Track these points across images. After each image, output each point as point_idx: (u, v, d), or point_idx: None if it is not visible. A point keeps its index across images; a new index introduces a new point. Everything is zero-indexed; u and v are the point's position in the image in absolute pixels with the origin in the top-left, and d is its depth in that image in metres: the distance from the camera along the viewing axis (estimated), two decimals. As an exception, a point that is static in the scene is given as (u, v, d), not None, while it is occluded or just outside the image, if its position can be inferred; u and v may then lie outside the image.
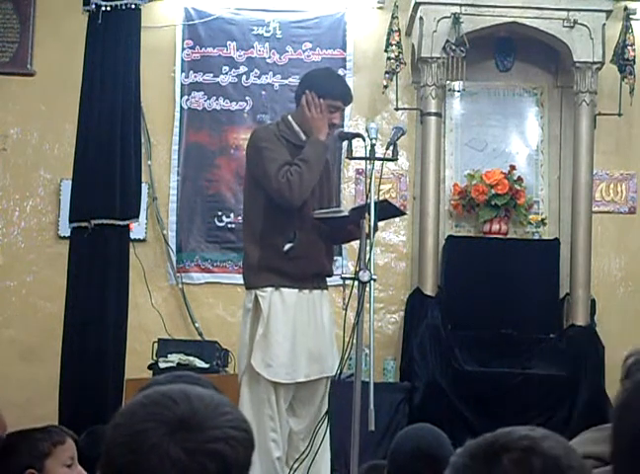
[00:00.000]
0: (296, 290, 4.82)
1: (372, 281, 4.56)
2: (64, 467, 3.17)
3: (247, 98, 7.71)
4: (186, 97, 7.70)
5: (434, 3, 7.18)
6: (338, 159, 7.51)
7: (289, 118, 5.01)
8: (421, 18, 7.19)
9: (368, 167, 4.68)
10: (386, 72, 7.40)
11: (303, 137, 4.91)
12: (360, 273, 4.56)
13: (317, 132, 4.88)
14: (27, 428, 3.26)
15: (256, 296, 4.80)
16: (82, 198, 5.77)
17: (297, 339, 4.79)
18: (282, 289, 4.79)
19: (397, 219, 7.39)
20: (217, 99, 7.70)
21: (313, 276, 4.86)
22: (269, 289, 4.79)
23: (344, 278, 4.96)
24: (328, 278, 5.01)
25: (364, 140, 4.73)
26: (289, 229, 4.80)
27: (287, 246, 4.79)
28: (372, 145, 4.70)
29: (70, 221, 5.85)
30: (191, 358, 6.47)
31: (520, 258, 7.25)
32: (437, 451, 3.25)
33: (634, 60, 7.31)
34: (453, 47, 7.00)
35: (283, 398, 4.78)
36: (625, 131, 7.75)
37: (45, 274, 7.42)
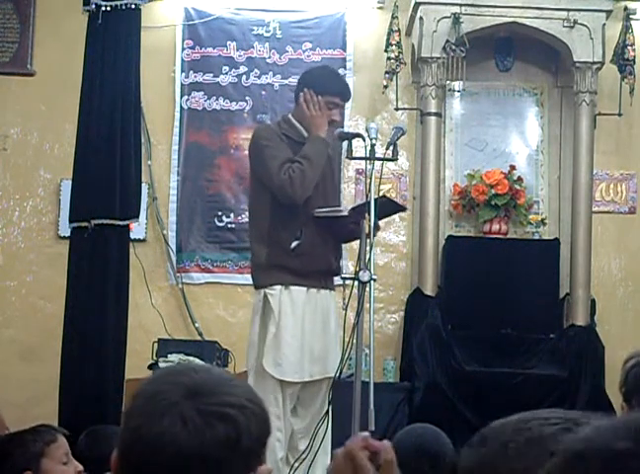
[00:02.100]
0: (305, 289, 4.82)
1: (372, 281, 4.56)
2: (60, 464, 3.18)
3: (247, 98, 7.71)
4: (186, 97, 7.69)
5: (434, 3, 7.18)
6: (338, 159, 7.51)
7: (290, 116, 5.03)
8: (421, 18, 7.19)
9: (368, 167, 4.69)
10: (386, 72, 7.39)
11: (305, 134, 4.92)
12: (360, 273, 4.56)
13: (316, 129, 4.89)
14: (17, 430, 3.27)
15: (265, 295, 4.80)
16: (82, 199, 5.77)
17: (305, 338, 4.80)
18: (291, 288, 4.80)
19: (397, 219, 7.39)
20: (217, 99, 7.69)
21: (321, 273, 4.86)
22: (277, 288, 4.79)
23: (344, 278, 4.96)
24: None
25: (364, 140, 4.74)
26: (296, 226, 4.81)
27: (294, 243, 4.79)
28: (372, 145, 4.71)
29: (70, 221, 5.85)
30: (191, 358, 6.47)
31: (520, 258, 7.25)
32: (437, 449, 3.26)
33: (634, 60, 7.30)
34: (453, 47, 7.00)
35: (289, 398, 4.78)
36: (625, 131, 7.74)
37: (45, 274, 7.42)
